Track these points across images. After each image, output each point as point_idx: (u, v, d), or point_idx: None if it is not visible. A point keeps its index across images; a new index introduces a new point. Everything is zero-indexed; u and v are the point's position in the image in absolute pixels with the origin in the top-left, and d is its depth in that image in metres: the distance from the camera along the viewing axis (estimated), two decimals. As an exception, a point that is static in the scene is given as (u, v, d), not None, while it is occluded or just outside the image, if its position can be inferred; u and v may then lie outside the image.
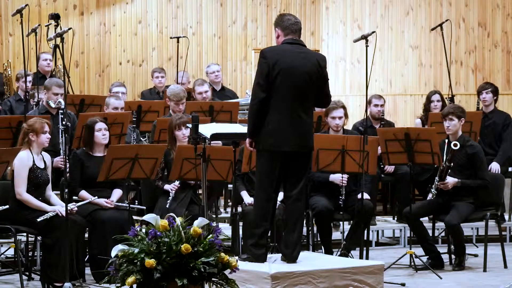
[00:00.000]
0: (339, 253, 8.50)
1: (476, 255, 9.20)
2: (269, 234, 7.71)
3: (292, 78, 6.95)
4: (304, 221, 9.06)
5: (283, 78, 6.93)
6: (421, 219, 8.77)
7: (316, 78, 7.05)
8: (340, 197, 8.62)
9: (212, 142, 7.89)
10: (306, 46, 7.22)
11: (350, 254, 8.46)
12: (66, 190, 7.33)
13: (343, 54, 14.29)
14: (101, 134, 8.21)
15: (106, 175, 7.89)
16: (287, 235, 7.08)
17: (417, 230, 8.70)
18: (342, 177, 8.60)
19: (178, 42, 12.21)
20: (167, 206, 8.24)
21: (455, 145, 8.41)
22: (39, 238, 8.11)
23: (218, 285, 5.89)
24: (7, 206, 7.55)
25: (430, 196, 8.76)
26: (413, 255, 8.48)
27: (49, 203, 7.70)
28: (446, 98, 11.08)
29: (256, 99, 6.97)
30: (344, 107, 8.94)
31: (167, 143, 8.64)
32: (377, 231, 10.18)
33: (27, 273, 8.02)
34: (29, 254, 8.42)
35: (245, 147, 8.40)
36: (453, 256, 8.76)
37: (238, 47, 14.26)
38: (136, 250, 5.76)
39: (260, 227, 7.02)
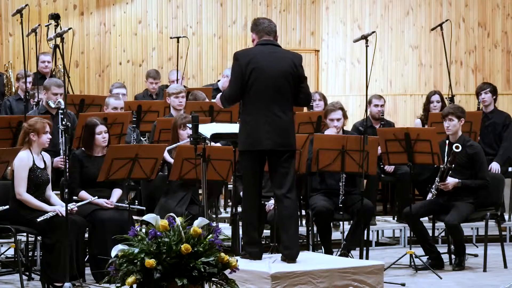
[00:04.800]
0: (339, 253, 8.50)
1: (476, 255, 9.19)
2: (269, 234, 7.71)
3: (265, 78, 6.99)
4: (304, 221, 9.07)
5: (256, 78, 6.98)
6: (421, 219, 8.77)
7: (292, 77, 7.07)
8: (340, 197, 8.61)
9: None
10: (281, 47, 7.26)
11: (350, 254, 8.46)
12: (66, 190, 7.32)
13: (343, 54, 14.28)
14: (101, 137, 8.19)
15: (106, 175, 7.89)
16: (282, 235, 7.07)
17: (417, 230, 8.69)
18: (342, 177, 8.60)
19: (178, 42, 12.20)
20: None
21: (456, 147, 8.40)
22: (39, 238, 8.10)
23: (218, 285, 5.89)
24: (7, 206, 7.55)
25: (430, 196, 8.76)
26: (413, 255, 8.47)
27: (49, 203, 7.70)
28: (446, 98, 11.07)
29: (229, 99, 7.11)
30: (342, 109, 8.94)
31: (170, 141, 8.64)
32: (377, 231, 10.17)
33: (27, 273, 8.02)
34: (29, 254, 8.41)
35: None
36: (453, 256, 8.76)
37: (238, 47, 14.22)
38: (136, 250, 5.76)
39: (249, 227, 7.09)
